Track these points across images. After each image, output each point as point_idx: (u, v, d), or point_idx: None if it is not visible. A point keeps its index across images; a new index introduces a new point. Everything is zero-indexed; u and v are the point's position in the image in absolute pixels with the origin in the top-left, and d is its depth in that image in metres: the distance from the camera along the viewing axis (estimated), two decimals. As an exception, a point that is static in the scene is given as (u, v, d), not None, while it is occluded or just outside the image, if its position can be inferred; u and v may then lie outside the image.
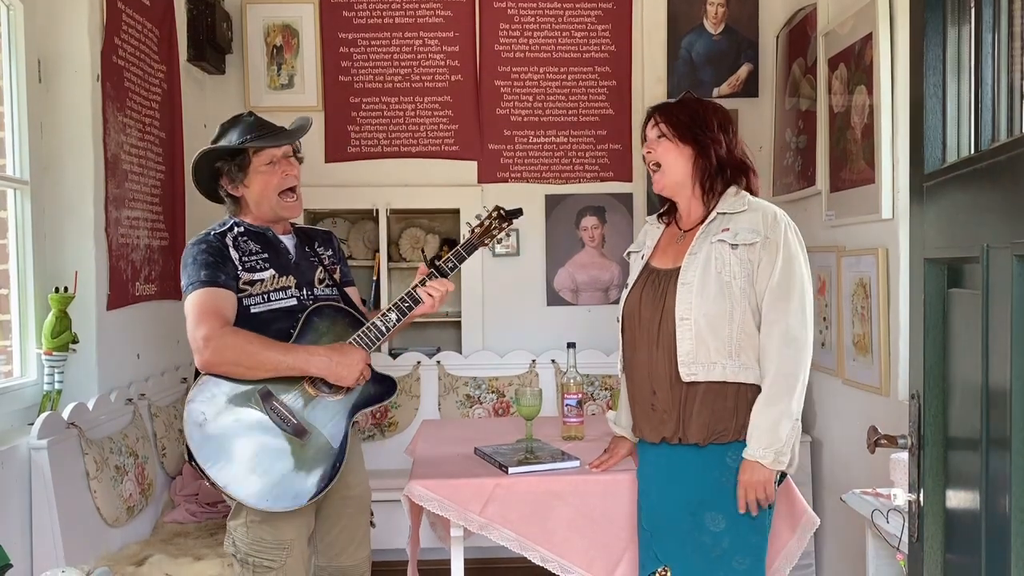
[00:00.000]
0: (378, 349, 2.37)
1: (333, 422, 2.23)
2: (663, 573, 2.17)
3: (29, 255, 2.82)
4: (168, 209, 3.59)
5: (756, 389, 2.11)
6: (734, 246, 2.10)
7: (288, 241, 2.38)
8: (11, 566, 1.95)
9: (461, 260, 2.39)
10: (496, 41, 4.30)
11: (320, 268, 2.39)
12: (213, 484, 2.10)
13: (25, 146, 2.80)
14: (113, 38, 3.08)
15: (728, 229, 2.13)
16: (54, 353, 2.76)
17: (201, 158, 2.31)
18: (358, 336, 2.27)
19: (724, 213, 2.16)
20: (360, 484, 2.44)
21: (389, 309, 2.30)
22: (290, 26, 4.23)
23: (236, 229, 2.31)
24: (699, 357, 2.09)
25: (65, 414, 2.70)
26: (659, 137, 2.25)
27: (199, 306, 2.16)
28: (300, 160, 2.41)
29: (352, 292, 2.50)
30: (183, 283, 2.23)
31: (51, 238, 2.92)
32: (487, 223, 2.43)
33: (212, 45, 3.92)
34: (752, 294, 2.11)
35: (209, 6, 3.83)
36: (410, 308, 2.31)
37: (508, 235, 2.54)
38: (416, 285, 2.32)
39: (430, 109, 4.30)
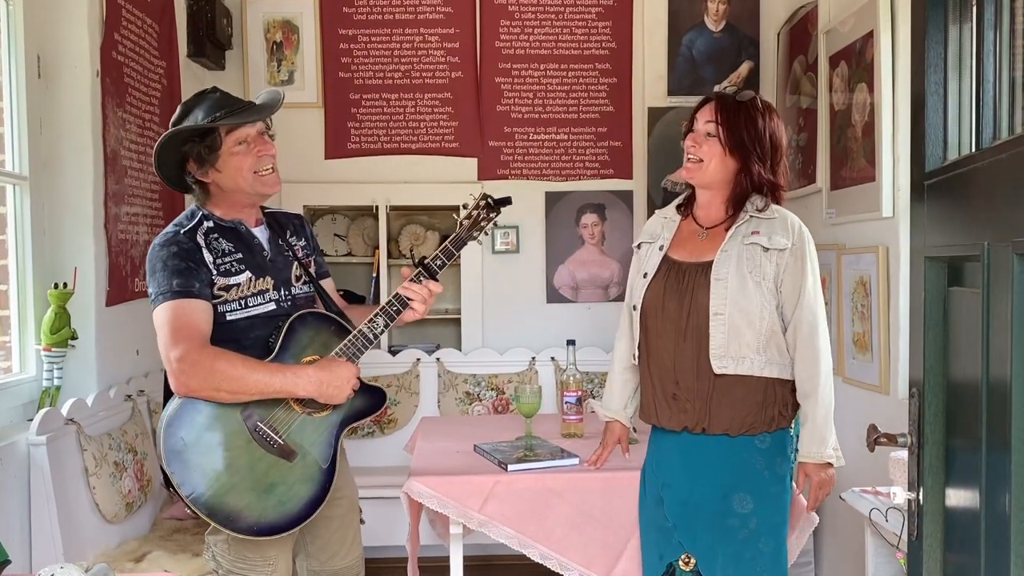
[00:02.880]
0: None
1: (321, 441, 2.08)
2: (686, 561, 2.20)
3: (28, 251, 2.81)
4: (167, 205, 3.59)
5: (781, 383, 2.20)
6: (766, 249, 2.17)
7: (261, 235, 2.16)
8: (9, 562, 1.94)
9: (450, 256, 2.21)
10: (497, 38, 4.29)
11: (295, 263, 2.20)
12: (196, 513, 1.97)
13: (24, 142, 2.80)
14: (113, 34, 3.08)
15: (759, 232, 2.19)
16: (53, 349, 2.76)
17: (167, 142, 2.04)
18: (344, 346, 2.10)
19: (755, 217, 2.22)
20: (348, 485, 2.31)
21: (376, 314, 2.15)
22: (290, 22, 4.22)
23: (206, 224, 2.08)
24: (730, 351, 2.15)
25: (64, 410, 2.69)
26: (709, 135, 2.20)
27: (172, 322, 1.95)
28: (272, 137, 2.18)
29: (328, 284, 2.33)
30: (151, 291, 2.00)
31: (50, 234, 2.91)
32: (475, 214, 2.26)
33: (212, 41, 3.91)
34: (777, 295, 2.18)
35: (209, 2, 3.83)
36: (398, 312, 2.15)
37: (496, 227, 2.36)
38: (404, 288, 2.17)
39: (430, 106, 4.30)
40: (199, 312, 1.99)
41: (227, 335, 2.03)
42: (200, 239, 2.05)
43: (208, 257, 2.04)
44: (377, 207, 4.27)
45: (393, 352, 4.25)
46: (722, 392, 2.17)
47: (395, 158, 4.31)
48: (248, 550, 2.07)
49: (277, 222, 2.25)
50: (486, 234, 2.30)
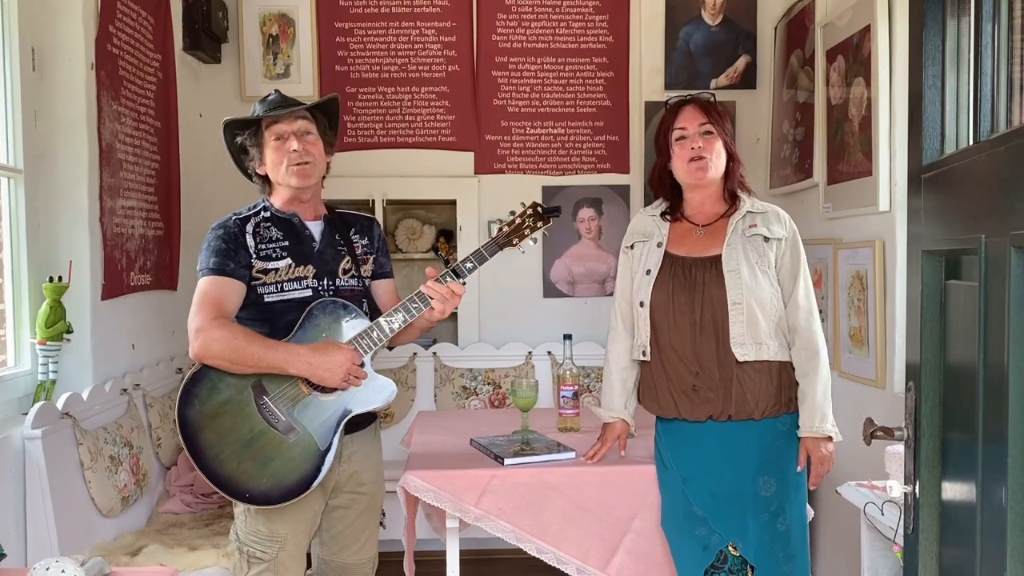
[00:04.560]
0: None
1: (322, 423, 2.16)
2: (734, 549, 2.26)
3: (23, 244, 2.80)
4: (163, 199, 3.58)
5: (790, 367, 2.30)
6: (767, 239, 2.29)
7: (315, 228, 2.30)
8: (5, 556, 1.94)
9: (482, 260, 2.23)
10: (493, 31, 4.28)
11: (347, 258, 2.31)
12: (196, 470, 2.13)
13: (19, 135, 2.78)
14: (108, 26, 3.06)
15: (756, 225, 2.30)
16: (48, 343, 2.75)
17: (224, 133, 2.29)
18: (357, 336, 2.18)
19: (750, 212, 2.33)
20: (373, 482, 2.38)
21: (396, 309, 2.21)
22: (286, 15, 4.21)
23: (263, 213, 2.27)
24: (749, 338, 2.24)
25: (59, 404, 2.69)
26: (706, 133, 2.31)
27: (200, 295, 2.16)
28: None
29: (384, 285, 2.40)
30: (197, 266, 2.23)
31: (45, 227, 2.90)
32: (519, 220, 2.28)
33: (208, 34, 3.90)
34: (779, 282, 2.30)
35: (205, -5, 3.81)
36: (419, 309, 2.20)
37: (546, 234, 2.37)
38: (426, 286, 2.21)
39: (427, 99, 4.29)
40: (227, 289, 2.17)
41: (263, 315, 2.20)
42: (248, 226, 2.24)
43: (250, 242, 2.22)
44: (374, 201, 4.26)
45: (390, 346, 4.24)
46: (744, 378, 2.25)
47: (392, 152, 4.30)
48: (259, 523, 2.19)
49: (343, 220, 2.38)
50: (533, 242, 2.33)
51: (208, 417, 2.12)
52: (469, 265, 2.23)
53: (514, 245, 2.29)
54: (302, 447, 2.14)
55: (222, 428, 2.12)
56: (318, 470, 2.15)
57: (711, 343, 2.26)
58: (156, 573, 2.16)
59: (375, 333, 2.19)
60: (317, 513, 2.28)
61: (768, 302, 2.26)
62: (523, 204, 2.33)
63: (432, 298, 2.19)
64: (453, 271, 2.22)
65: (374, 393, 2.22)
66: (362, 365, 2.18)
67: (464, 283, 2.23)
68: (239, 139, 2.28)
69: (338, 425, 2.18)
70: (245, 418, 2.13)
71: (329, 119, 2.37)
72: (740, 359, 2.24)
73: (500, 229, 2.30)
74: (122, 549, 2.76)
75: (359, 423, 2.27)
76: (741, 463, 2.27)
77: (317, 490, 2.20)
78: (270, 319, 2.19)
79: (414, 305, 2.21)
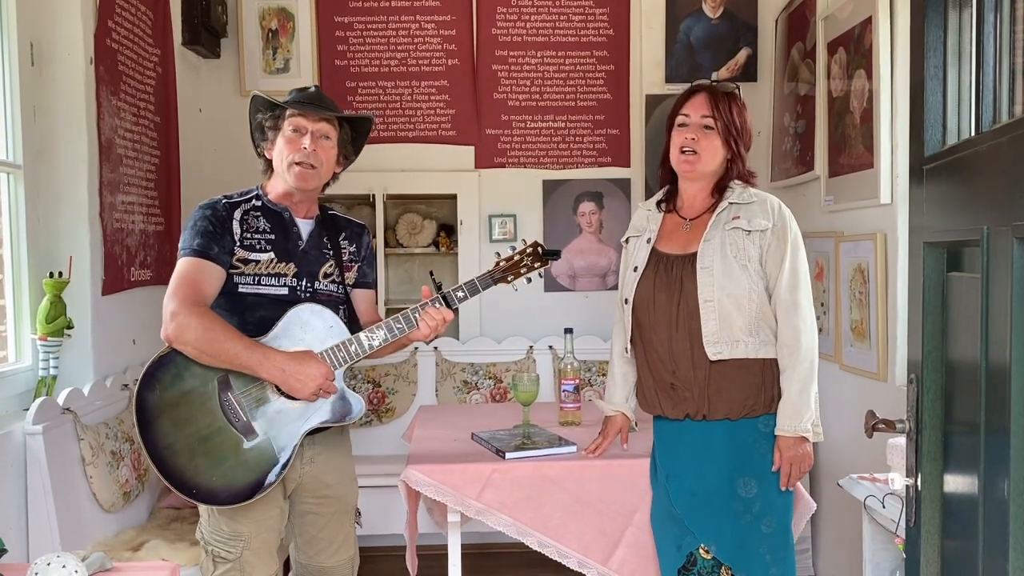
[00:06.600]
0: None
1: (285, 431, 2.10)
2: (707, 549, 2.21)
3: (23, 240, 2.80)
4: (163, 194, 3.57)
5: (777, 364, 2.21)
6: (748, 232, 2.21)
7: (305, 226, 2.24)
8: (6, 551, 1.94)
9: (474, 292, 2.22)
10: (493, 25, 4.27)
11: (331, 262, 2.25)
12: (145, 455, 2.07)
13: (18, 130, 2.77)
14: (106, 21, 3.05)
15: (739, 217, 2.23)
16: (49, 338, 2.75)
17: (250, 106, 2.25)
18: (332, 349, 2.12)
19: (734, 203, 2.25)
20: (340, 484, 2.30)
21: (379, 326, 2.16)
22: (285, 10, 4.20)
23: (254, 202, 2.22)
24: (723, 336, 2.18)
25: (60, 399, 2.69)
26: (707, 128, 2.24)
27: (179, 276, 2.10)
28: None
29: (365, 295, 2.35)
30: (179, 244, 2.17)
31: (45, 223, 2.90)
32: (517, 257, 2.27)
33: (207, 29, 3.89)
34: (763, 275, 2.21)
35: (204, -11, 3.80)
36: (402, 331, 2.17)
37: (541, 274, 2.34)
38: (415, 308, 2.18)
39: (427, 93, 4.28)
40: (207, 273, 2.11)
41: (235, 306, 2.13)
42: (237, 212, 2.19)
43: (236, 228, 2.17)
44: (374, 196, 4.25)
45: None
46: (720, 378, 2.19)
47: (392, 146, 4.29)
48: (222, 523, 2.13)
49: (335, 223, 2.33)
50: (528, 281, 2.30)
51: (168, 405, 2.05)
52: (461, 294, 2.21)
53: (508, 282, 2.27)
54: (258, 452, 2.08)
55: (180, 418, 2.05)
56: (271, 480, 2.09)
57: (686, 342, 2.20)
58: (158, 568, 2.15)
59: (353, 347, 2.14)
60: (283, 511, 2.21)
61: (745, 298, 2.18)
62: (524, 241, 2.31)
63: (428, 325, 2.16)
64: (443, 297, 2.19)
65: (340, 408, 2.16)
66: (333, 379, 2.13)
67: (455, 309, 2.21)
68: (259, 117, 2.24)
69: (301, 435, 2.12)
70: (205, 412, 2.06)
71: (356, 135, 2.33)
72: (712, 358, 2.17)
73: (497, 264, 2.27)
74: (124, 544, 2.76)
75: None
76: (719, 463, 2.21)
77: (277, 490, 2.14)
78: (240, 311, 2.12)
79: (398, 325, 2.16)
